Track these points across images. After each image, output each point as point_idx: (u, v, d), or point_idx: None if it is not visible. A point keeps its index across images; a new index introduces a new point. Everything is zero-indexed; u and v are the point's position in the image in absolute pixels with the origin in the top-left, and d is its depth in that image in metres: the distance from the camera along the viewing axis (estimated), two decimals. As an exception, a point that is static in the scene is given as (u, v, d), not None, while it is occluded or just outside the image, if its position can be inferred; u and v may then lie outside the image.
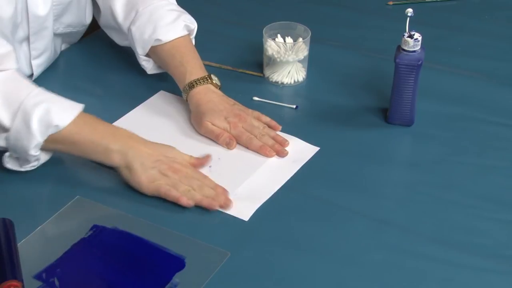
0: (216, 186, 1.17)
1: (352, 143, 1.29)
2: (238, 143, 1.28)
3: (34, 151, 1.16)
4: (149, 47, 1.37)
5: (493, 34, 1.61)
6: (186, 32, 1.38)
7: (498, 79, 1.46)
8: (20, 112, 1.14)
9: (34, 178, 1.20)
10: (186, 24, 1.38)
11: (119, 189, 1.18)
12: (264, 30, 1.43)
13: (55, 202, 1.16)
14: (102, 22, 1.48)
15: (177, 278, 1.03)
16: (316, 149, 1.27)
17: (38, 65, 1.41)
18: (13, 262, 1.00)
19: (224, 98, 1.32)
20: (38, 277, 1.03)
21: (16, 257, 1.02)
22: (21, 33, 1.33)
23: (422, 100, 1.33)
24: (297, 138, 1.29)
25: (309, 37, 1.42)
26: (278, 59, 1.42)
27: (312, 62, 1.46)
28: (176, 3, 1.44)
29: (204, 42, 1.44)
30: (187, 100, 1.33)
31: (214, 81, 1.33)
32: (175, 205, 1.15)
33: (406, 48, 1.26)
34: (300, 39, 1.43)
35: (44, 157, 1.20)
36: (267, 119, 1.32)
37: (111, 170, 1.19)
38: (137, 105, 1.38)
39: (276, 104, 1.39)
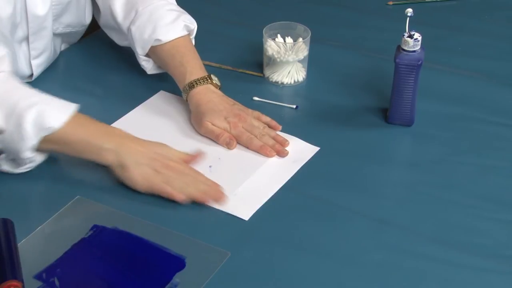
0: (208, 181, 1.17)
1: (352, 143, 1.29)
2: (238, 143, 1.28)
3: (28, 153, 1.16)
4: (149, 47, 1.37)
5: (493, 34, 1.61)
6: (186, 32, 1.38)
7: (498, 79, 1.46)
8: (13, 114, 1.14)
9: (34, 178, 1.20)
10: (186, 24, 1.38)
11: (119, 189, 1.18)
12: (264, 30, 1.43)
13: (55, 202, 1.16)
14: (101, 22, 1.48)
15: (177, 278, 1.03)
16: (316, 149, 1.27)
17: (38, 65, 1.41)
18: (13, 262, 1.00)
19: (224, 98, 1.32)
20: (38, 277, 1.03)
21: (16, 257, 1.02)
22: (20, 33, 1.33)
23: (422, 100, 1.33)
24: (297, 138, 1.29)
25: (309, 37, 1.42)
26: (278, 59, 1.42)
27: (312, 62, 1.46)
28: (176, 3, 1.44)
29: (204, 42, 1.44)
30: (187, 100, 1.33)
31: (214, 81, 1.33)
32: (175, 205, 1.15)
33: (406, 48, 1.26)
34: (300, 39, 1.43)
35: (39, 159, 1.19)
36: (267, 119, 1.32)
37: (111, 170, 1.19)
38: (137, 105, 1.38)
39: (276, 104, 1.39)
